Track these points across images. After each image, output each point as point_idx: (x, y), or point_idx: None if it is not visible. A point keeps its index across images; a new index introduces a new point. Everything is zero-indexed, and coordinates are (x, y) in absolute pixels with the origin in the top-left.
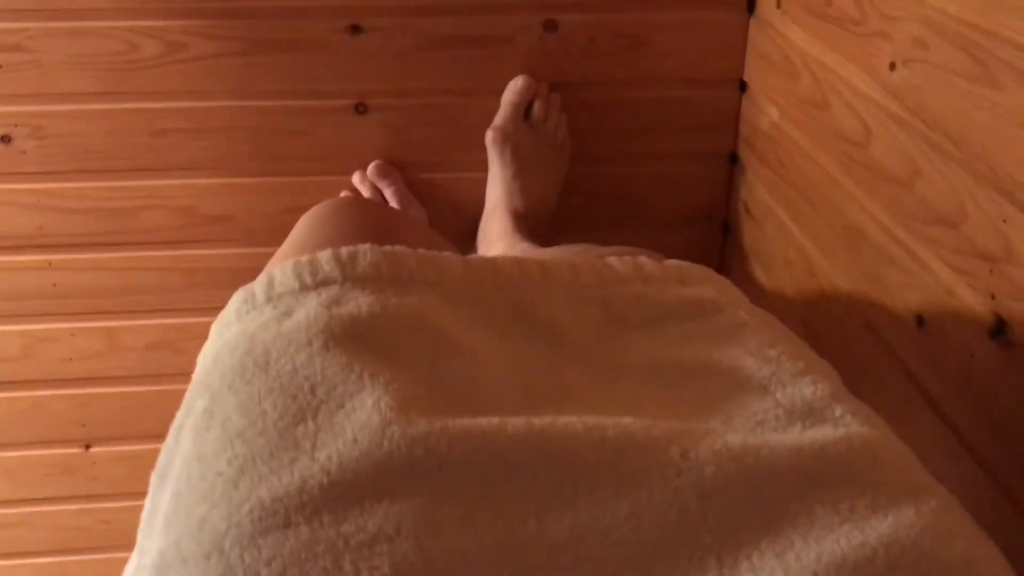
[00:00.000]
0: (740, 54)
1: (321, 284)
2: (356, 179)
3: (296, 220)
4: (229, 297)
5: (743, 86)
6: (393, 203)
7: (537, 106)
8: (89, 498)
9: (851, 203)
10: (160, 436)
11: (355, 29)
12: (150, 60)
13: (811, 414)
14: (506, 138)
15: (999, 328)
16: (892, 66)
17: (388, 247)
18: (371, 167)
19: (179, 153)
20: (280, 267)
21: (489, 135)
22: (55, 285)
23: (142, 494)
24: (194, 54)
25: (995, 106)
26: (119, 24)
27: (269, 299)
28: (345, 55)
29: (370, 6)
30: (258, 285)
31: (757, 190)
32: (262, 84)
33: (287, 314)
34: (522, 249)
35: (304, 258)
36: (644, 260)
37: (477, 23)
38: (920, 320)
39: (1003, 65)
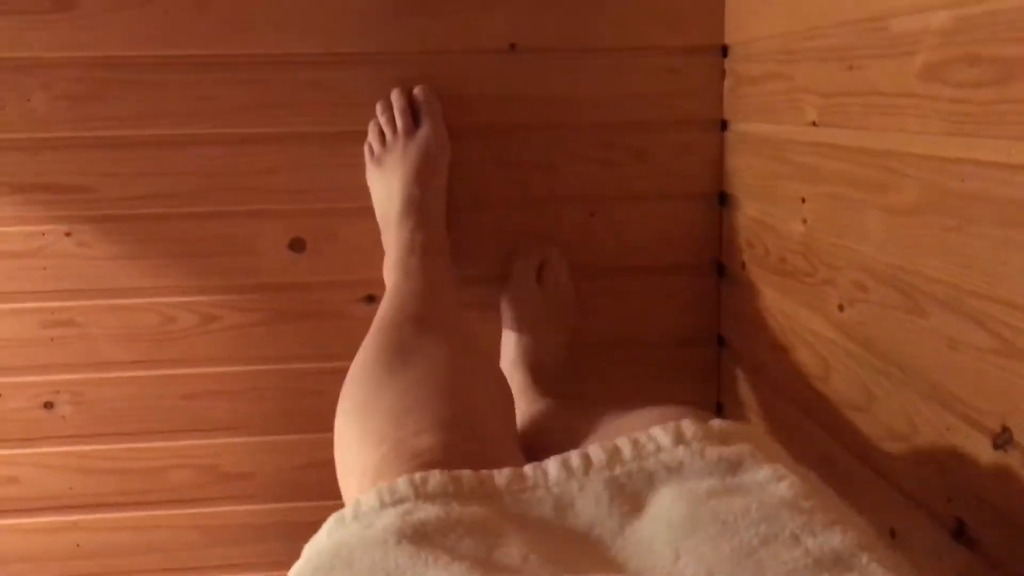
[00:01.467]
0: (715, 312)
1: (398, 501)
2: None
3: (314, 476)
4: (245, 553)
5: (721, 341)
6: (426, 126)
7: (546, 269)
8: None
9: (820, 434)
10: None
11: (370, 299)
12: (185, 331)
13: (838, 562)
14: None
15: (960, 529)
16: (840, 307)
17: (454, 472)
18: (417, 89)
19: (206, 414)
20: (365, 494)
21: (504, 297)
22: (78, 546)
23: None
24: (225, 324)
25: (925, 331)
26: (159, 300)
27: (356, 517)
28: (362, 321)
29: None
30: (347, 508)
31: None
32: (285, 349)
33: (369, 526)
34: (541, 407)
35: (384, 485)
36: (687, 424)
37: None
38: (892, 533)
39: (926, 297)
